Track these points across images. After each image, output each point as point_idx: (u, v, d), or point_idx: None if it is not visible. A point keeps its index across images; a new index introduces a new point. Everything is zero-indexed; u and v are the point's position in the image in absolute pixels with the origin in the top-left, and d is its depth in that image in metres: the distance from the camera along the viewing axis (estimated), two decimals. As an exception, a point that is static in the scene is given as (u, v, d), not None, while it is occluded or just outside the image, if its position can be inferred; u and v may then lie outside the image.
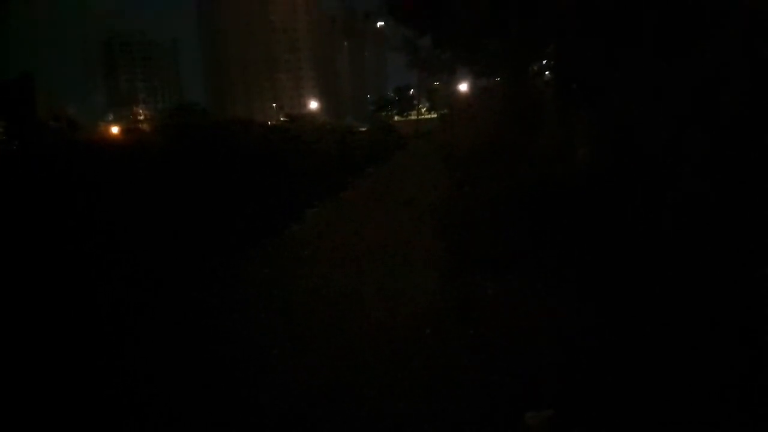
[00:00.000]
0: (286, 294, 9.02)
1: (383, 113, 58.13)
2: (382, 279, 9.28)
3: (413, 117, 56.59)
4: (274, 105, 76.47)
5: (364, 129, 45.72)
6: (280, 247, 11.78)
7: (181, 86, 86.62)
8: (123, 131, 35.54)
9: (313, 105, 72.95)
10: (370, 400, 5.61)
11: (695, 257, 7.10)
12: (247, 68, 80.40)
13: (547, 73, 16.96)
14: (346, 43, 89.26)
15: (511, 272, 8.74)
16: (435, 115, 49.65)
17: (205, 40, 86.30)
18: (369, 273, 9.62)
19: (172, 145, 13.86)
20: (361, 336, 7.13)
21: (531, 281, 8.16)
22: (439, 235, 11.50)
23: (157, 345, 7.03)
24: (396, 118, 56.32)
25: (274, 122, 51.19)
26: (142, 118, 52.21)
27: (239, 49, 79.54)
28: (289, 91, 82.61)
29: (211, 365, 6.42)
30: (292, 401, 5.65)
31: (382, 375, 6.15)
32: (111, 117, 58.42)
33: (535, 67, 15.37)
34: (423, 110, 57.61)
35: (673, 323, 6.22)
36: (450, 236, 11.21)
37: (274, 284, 9.56)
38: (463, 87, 35.61)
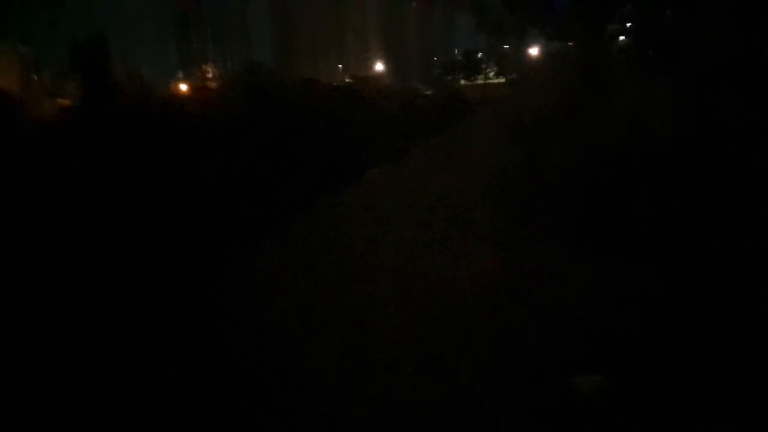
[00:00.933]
0: (338, 249, 9.01)
1: (449, 77, 56.58)
2: (436, 242, 9.03)
3: (481, 81, 54.79)
4: (340, 66, 76.16)
5: (429, 92, 44.70)
6: (337, 206, 11.76)
7: (250, 46, 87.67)
8: (191, 89, 36.30)
9: (379, 67, 72.06)
10: (414, 362, 5.43)
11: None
12: (314, 28, 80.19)
13: (621, 37, 15.78)
14: (414, 4, 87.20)
15: (576, 243, 8.23)
16: (503, 80, 47.94)
17: (274, 1, 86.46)
18: (422, 237, 9.36)
19: (238, 103, 13.91)
20: (410, 296, 6.97)
21: (598, 253, 7.66)
22: (502, 203, 11.02)
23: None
24: (462, 82, 54.71)
25: (338, 83, 50.98)
26: (210, 77, 53.19)
27: (307, 10, 79.28)
28: (354, 52, 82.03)
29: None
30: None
31: (429, 336, 5.95)
32: (181, 76, 59.89)
33: (610, 30, 14.35)
34: (491, 75, 55.71)
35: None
36: (513, 204, 10.75)
37: (329, 240, 9.60)
38: (534, 51, 34.03)
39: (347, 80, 57.16)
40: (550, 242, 8.31)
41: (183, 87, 38.56)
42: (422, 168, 15.55)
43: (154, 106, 15.59)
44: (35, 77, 50.61)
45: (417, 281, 7.46)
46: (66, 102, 28.92)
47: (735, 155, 8.73)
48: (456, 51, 79.46)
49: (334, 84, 45.36)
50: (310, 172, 11.44)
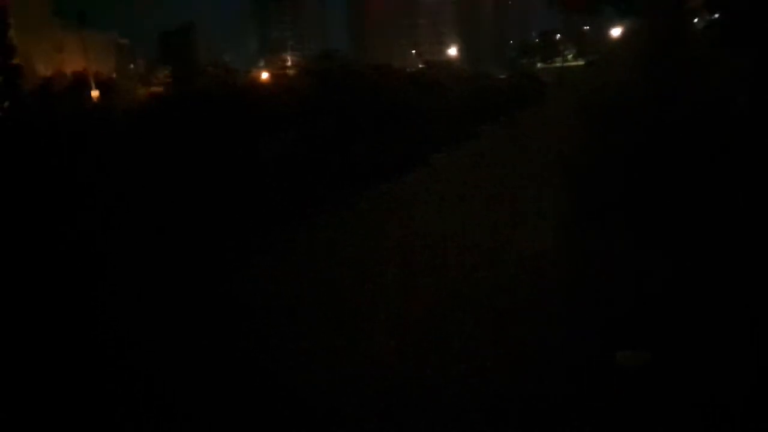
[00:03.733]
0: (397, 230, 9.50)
1: (525, 60, 55.33)
2: (491, 226, 9.26)
3: (558, 64, 53.20)
4: (413, 51, 76.21)
5: (503, 77, 44.10)
6: (402, 189, 12.25)
7: (327, 34, 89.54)
8: (271, 76, 37.77)
9: (452, 51, 71.50)
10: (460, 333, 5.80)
11: None
12: (390, 15, 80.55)
13: (696, 19, 15.20)
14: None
15: (640, 228, 8.25)
16: (582, 63, 46.34)
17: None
18: (478, 221, 9.62)
19: (313, 90, 14.70)
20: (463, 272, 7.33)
21: (661, 237, 7.65)
22: (566, 186, 11.06)
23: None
24: (539, 65, 53.37)
25: (412, 68, 51.19)
26: (289, 64, 54.89)
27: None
28: (428, 37, 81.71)
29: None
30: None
31: (472, 311, 6.27)
32: (262, 63, 62.16)
33: (686, 7, 13.81)
34: (569, 57, 53.98)
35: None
36: (577, 187, 10.76)
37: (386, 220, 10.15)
38: (615, 31, 32.76)
39: (420, 65, 57.29)
40: (609, 227, 8.37)
41: (264, 74, 40.13)
42: (488, 151, 15.74)
43: (235, 94, 16.68)
44: (132, 65, 54.34)
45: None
46: (159, 89, 31.10)
47: None
48: (533, 33, 77.45)
49: (407, 70, 45.68)
50: (376, 158, 12.10)
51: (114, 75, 43.85)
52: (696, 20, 14.00)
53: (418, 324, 6.09)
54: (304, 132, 11.81)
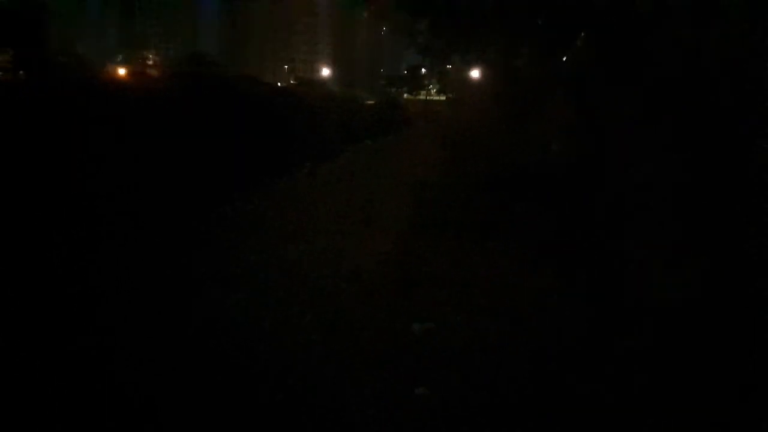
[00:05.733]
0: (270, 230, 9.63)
1: (394, 89, 57.90)
2: (349, 231, 9.84)
3: (422, 97, 56.35)
4: (286, 66, 76.04)
5: (371, 102, 45.75)
6: (264, 199, 12.37)
7: (197, 36, 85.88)
8: (130, 74, 35.50)
9: (325, 72, 72.60)
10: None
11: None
12: (264, 27, 79.70)
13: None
14: (365, 15, 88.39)
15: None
16: (444, 98, 49.61)
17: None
18: (341, 236, 10.13)
19: (178, 94, 14.17)
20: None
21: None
22: (421, 205, 12.01)
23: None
24: (405, 96, 56.13)
25: (284, 84, 51.06)
26: (151, 63, 51.96)
27: (258, 6, 78.74)
28: (302, 54, 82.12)
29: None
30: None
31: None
32: (120, 59, 58.09)
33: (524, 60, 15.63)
34: (433, 91, 57.45)
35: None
36: (424, 204, 11.77)
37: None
38: (474, 73, 35.68)
39: (292, 81, 57.35)
40: (445, 234, 9.37)
41: (121, 71, 37.63)
42: (351, 168, 16.43)
43: (91, 87, 15.52)
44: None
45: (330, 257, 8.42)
46: (-3, 74, 27.67)
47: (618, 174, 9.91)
48: (402, 65, 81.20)
49: (279, 84, 45.53)
50: (246, 165, 12.04)
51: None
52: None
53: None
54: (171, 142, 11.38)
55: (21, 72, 28.13)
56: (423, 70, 58.27)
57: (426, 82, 59.41)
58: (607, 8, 11.45)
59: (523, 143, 13.00)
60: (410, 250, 8.68)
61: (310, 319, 6.48)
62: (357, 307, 6.74)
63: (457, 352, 5.70)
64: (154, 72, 36.99)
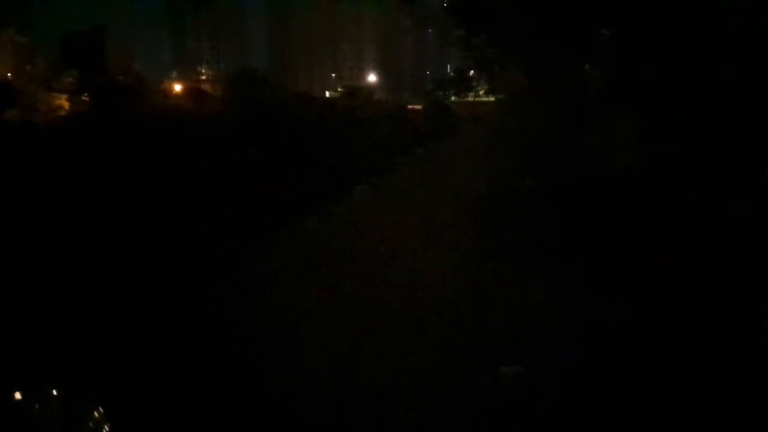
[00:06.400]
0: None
1: (441, 93, 57.52)
2: (408, 267, 9.76)
3: (470, 98, 55.74)
4: (334, 75, 76.76)
5: (419, 107, 45.57)
6: (323, 223, 12.45)
7: (245, 49, 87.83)
8: (185, 90, 36.71)
9: (372, 78, 72.86)
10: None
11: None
12: (311, 36, 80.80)
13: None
14: (410, 20, 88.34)
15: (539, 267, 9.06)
16: (492, 99, 48.83)
17: (273, 5, 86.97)
18: (397, 257, 10.09)
19: (236, 115, 14.58)
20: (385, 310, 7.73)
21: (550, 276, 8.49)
22: (480, 226, 11.83)
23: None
24: (453, 98, 55.69)
25: (332, 93, 51.51)
26: (204, 78, 53.50)
27: (305, 16, 79.93)
28: (349, 62, 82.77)
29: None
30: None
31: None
32: (175, 75, 59.99)
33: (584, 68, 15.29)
34: (481, 93, 56.71)
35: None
36: (483, 221, 11.57)
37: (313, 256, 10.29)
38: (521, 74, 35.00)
39: (340, 89, 57.76)
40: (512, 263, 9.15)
41: (177, 87, 38.97)
42: (406, 184, 16.38)
43: (155, 111, 16.10)
44: (28, 67, 50.39)
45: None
46: (62, 99, 28.93)
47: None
48: (448, 67, 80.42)
49: (328, 94, 46.05)
50: (304, 187, 12.19)
51: (9, 75, 40.73)
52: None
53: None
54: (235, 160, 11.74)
55: (85, 95, 29.52)
56: (471, 71, 57.83)
57: (473, 84, 58.78)
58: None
59: (581, 151, 12.64)
60: (479, 286, 8.51)
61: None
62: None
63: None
64: (207, 87, 38.11)
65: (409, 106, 43.43)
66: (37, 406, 5.21)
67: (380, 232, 11.60)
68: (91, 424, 5.40)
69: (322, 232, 11.98)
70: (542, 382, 5.73)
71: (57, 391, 5.25)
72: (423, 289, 8.37)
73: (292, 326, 7.17)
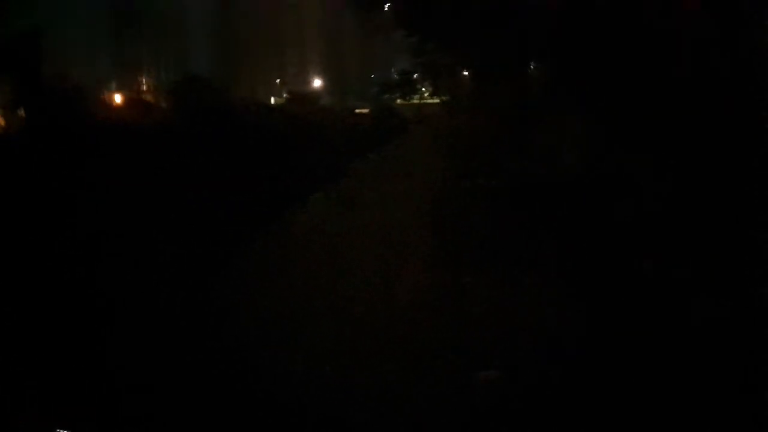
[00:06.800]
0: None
1: (386, 95, 58.07)
2: (372, 273, 10.00)
3: (416, 101, 56.50)
4: (278, 81, 76.20)
5: (366, 110, 45.96)
6: (280, 236, 12.53)
7: (186, 56, 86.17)
8: (126, 101, 35.66)
9: (317, 83, 72.73)
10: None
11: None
12: (254, 42, 80.00)
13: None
14: (353, 24, 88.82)
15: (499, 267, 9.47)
16: (437, 100, 49.71)
17: (213, 10, 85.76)
18: (360, 265, 10.30)
19: (187, 125, 14.42)
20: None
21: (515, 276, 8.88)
22: (433, 227, 12.21)
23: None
24: (398, 101, 56.31)
25: (277, 99, 51.09)
26: (145, 88, 52.05)
27: (246, 22, 79.12)
28: (293, 66, 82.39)
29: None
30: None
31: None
32: (114, 85, 58.10)
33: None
34: (426, 95, 57.58)
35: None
36: (443, 229, 11.93)
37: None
38: (465, 74, 35.82)
39: (285, 95, 57.45)
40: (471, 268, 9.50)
41: (117, 98, 37.81)
42: (362, 190, 16.63)
43: (99, 124, 15.73)
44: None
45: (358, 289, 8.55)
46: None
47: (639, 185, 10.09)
48: (392, 70, 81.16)
49: (273, 101, 45.73)
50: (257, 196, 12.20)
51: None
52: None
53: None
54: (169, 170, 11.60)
55: (21, 109, 28.22)
56: (415, 74, 58.70)
57: (419, 86, 59.72)
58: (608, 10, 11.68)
59: (526, 152, 13.18)
60: (443, 292, 8.80)
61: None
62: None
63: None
64: (149, 98, 37.11)
65: (357, 110, 43.69)
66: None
67: (339, 240, 11.78)
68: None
69: (282, 242, 12.02)
70: (520, 386, 5.94)
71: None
72: (387, 296, 8.57)
73: (255, 341, 7.22)
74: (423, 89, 58.46)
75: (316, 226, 13.64)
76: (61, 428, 4.82)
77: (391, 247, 11.21)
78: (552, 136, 12.76)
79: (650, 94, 9.98)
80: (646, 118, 10.81)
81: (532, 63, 16.03)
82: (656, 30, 10.22)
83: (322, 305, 9.03)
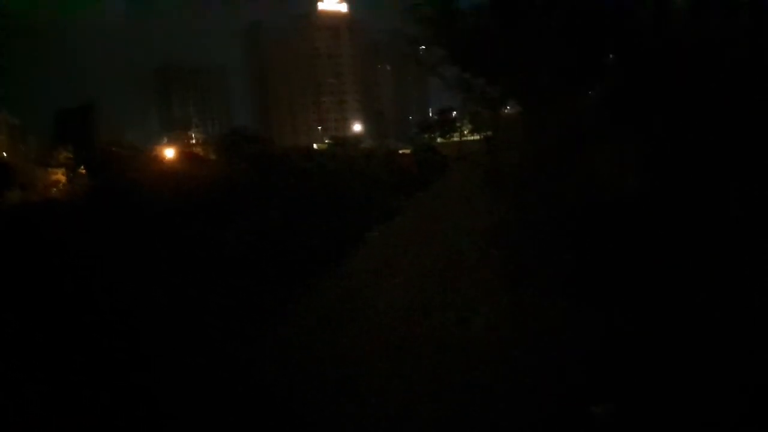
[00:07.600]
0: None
1: (426, 135, 58.50)
2: (433, 299, 9.88)
3: (455, 138, 56.56)
4: (319, 128, 78.19)
5: (407, 151, 46.35)
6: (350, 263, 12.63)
7: (230, 110, 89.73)
8: (178, 154, 36.99)
9: (357, 127, 74.28)
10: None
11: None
12: (293, 92, 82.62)
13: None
14: (389, 67, 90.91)
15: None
16: (477, 137, 49.57)
17: (253, 65, 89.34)
18: (422, 292, 10.21)
19: (243, 174, 14.95)
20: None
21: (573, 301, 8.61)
22: (489, 258, 12.02)
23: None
24: (438, 140, 56.60)
25: (319, 144, 52.41)
26: (194, 141, 54.26)
27: (285, 74, 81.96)
28: (333, 113, 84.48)
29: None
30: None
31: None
32: (165, 140, 60.89)
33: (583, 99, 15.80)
34: (465, 132, 57.66)
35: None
36: (499, 259, 11.70)
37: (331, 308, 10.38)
38: (506, 109, 35.85)
39: (326, 141, 58.75)
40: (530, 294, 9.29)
41: (169, 152, 39.23)
42: (414, 226, 16.63)
43: (152, 177, 16.36)
44: (21, 146, 50.92)
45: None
46: (58, 173, 29.17)
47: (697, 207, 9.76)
48: (430, 109, 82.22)
49: (315, 147, 46.88)
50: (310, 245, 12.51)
51: (4, 155, 41.31)
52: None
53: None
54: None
55: (81, 167, 29.77)
56: (453, 112, 58.95)
57: (458, 124, 59.86)
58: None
59: (583, 179, 12.89)
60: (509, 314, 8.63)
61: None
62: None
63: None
64: (199, 150, 38.45)
65: (400, 151, 44.14)
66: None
67: (406, 272, 11.76)
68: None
69: (355, 274, 12.12)
70: (638, 418, 5.48)
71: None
72: (461, 319, 8.46)
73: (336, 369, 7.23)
74: (462, 127, 58.67)
75: (381, 263, 13.66)
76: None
77: (463, 287, 11.04)
78: (605, 165, 12.50)
79: (710, 118, 9.76)
80: (704, 143, 10.54)
81: (583, 90, 15.85)
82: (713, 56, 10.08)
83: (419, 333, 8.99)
